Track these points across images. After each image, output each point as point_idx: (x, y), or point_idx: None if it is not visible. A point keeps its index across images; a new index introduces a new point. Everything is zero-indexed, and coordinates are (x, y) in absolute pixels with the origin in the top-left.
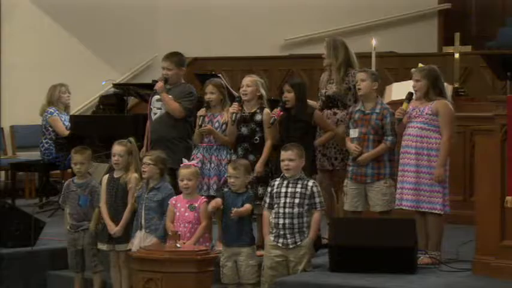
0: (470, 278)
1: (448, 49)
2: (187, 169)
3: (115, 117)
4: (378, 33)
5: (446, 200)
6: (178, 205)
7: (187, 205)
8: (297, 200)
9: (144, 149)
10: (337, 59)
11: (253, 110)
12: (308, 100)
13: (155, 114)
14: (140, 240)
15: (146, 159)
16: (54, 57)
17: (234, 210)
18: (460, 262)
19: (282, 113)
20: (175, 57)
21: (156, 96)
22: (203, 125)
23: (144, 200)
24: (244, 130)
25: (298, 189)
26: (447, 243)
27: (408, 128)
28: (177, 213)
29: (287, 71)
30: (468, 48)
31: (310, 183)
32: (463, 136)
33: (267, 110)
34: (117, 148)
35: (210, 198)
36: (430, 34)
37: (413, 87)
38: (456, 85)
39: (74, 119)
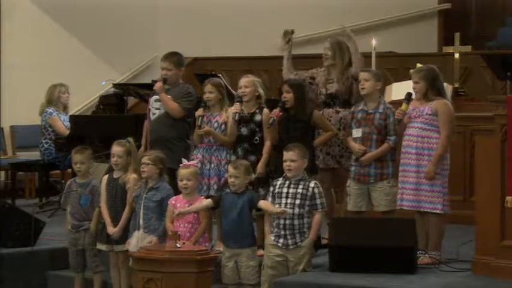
0: (470, 278)
1: (448, 49)
2: (186, 169)
3: (115, 117)
4: (378, 33)
5: (446, 200)
6: (178, 205)
7: (186, 205)
8: (297, 201)
9: (142, 148)
10: (343, 61)
11: (252, 111)
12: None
13: (154, 114)
14: (138, 240)
15: (145, 159)
16: (54, 57)
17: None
18: (460, 262)
19: (281, 113)
20: (174, 58)
21: (155, 97)
22: (202, 126)
23: (143, 199)
24: (244, 131)
25: (300, 190)
26: (447, 243)
27: (408, 128)
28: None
29: None
30: (468, 48)
31: (312, 184)
32: (463, 136)
33: (266, 110)
34: (116, 149)
35: (210, 198)
36: (430, 34)
37: (413, 88)
38: (456, 85)
39: (74, 119)
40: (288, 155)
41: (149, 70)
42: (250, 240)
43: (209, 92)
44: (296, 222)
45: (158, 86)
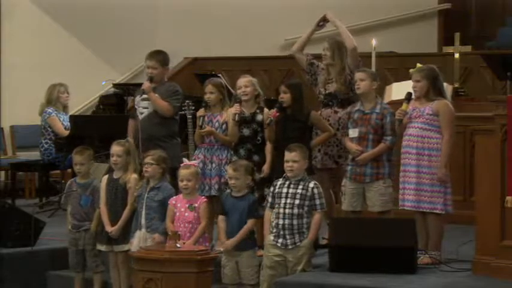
0: (470, 278)
1: (448, 49)
2: (187, 169)
3: (115, 117)
4: (377, 33)
5: (449, 199)
6: (178, 205)
7: (187, 205)
8: (297, 201)
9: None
10: (342, 61)
11: (253, 111)
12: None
13: (141, 114)
14: (140, 240)
15: (149, 159)
16: (54, 57)
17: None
18: (460, 262)
19: (278, 113)
20: (159, 56)
21: (142, 96)
22: (203, 126)
23: (145, 199)
24: (245, 131)
25: (299, 191)
26: (447, 243)
27: (409, 128)
28: (177, 213)
29: (287, 71)
30: (468, 48)
31: (312, 184)
32: (463, 136)
33: (267, 110)
34: (116, 148)
35: (211, 198)
36: (430, 34)
37: (413, 87)
38: (456, 85)
39: (74, 119)
40: (290, 155)
41: None
42: (251, 241)
43: (210, 92)
44: (295, 222)
45: (146, 85)
